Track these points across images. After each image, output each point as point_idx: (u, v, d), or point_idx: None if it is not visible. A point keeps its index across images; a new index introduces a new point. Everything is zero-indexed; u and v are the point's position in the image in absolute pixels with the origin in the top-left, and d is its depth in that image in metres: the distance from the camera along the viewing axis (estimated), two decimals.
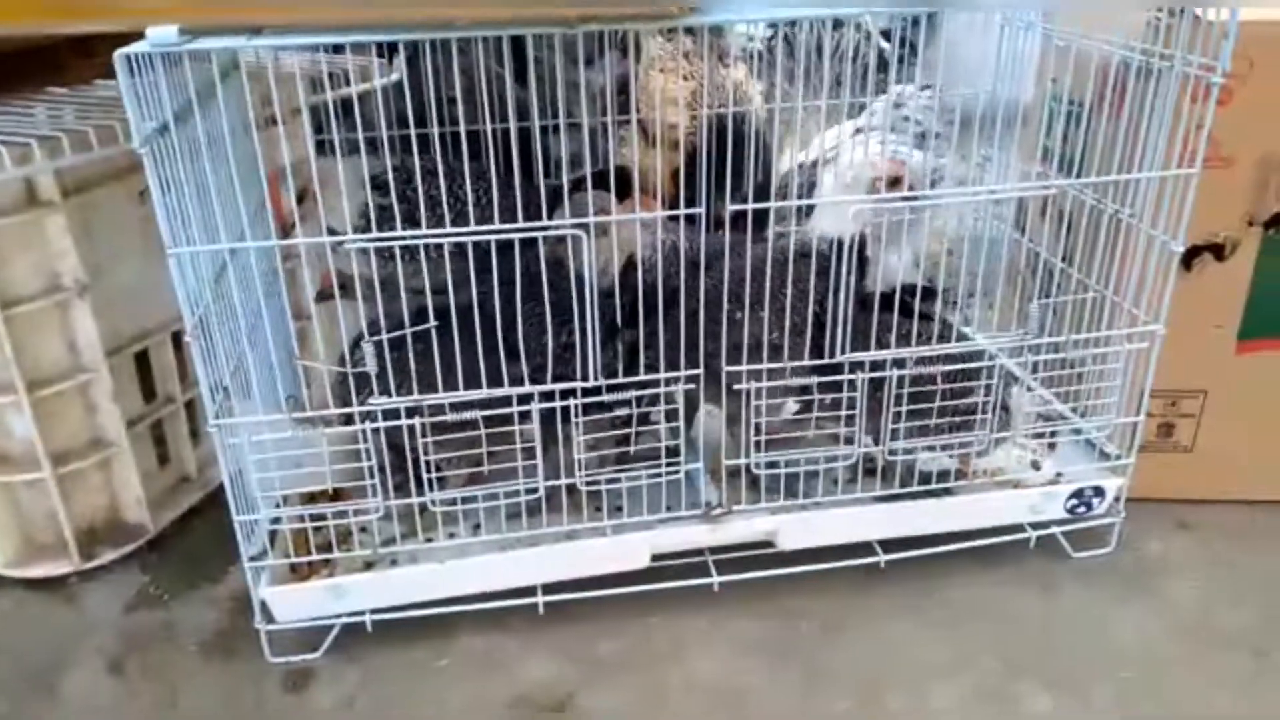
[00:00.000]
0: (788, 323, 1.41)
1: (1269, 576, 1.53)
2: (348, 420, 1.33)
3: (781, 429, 1.45)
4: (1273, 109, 1.39)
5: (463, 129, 1.39)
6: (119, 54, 1.06)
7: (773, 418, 1.41)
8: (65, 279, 1.50)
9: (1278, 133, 1.42)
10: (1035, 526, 1.53)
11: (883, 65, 1.82)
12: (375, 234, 1.21)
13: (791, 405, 1.45)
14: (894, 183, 1.47)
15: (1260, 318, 1.53)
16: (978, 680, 1.35)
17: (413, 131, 1.42)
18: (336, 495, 1.45)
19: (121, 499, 1.66)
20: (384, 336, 1.26)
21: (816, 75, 1.76)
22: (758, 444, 1.42)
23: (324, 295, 1.36)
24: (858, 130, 1.65)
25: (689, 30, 1.88)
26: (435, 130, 1.33)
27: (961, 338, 1.45)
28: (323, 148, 1.50)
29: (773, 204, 1.45)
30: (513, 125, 1.22)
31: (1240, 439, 1.61)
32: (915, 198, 1.42)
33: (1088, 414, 1.55)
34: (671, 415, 1.39)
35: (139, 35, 1.09)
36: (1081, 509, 1.53)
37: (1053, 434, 1.58)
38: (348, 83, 1.80)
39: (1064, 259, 1.57)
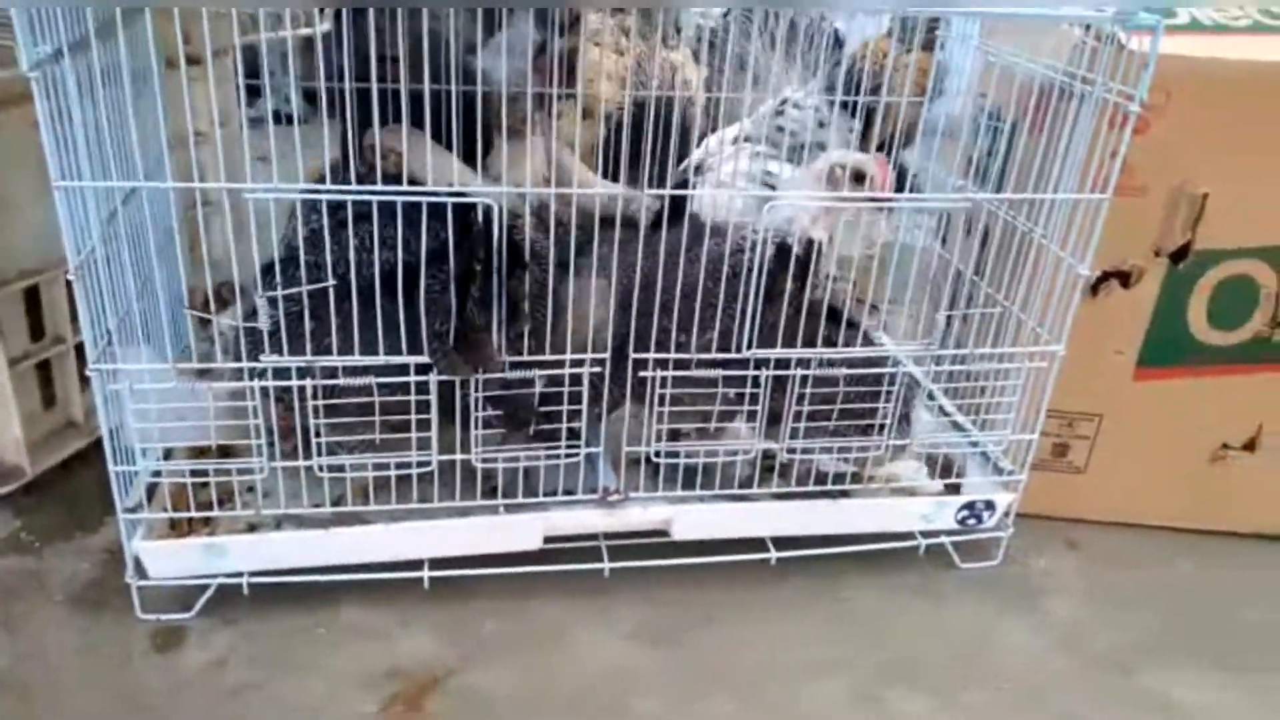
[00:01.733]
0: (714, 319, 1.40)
1: (1147, 599, 1.57)
2: (237, 376, 1.28)
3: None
4: (1186, 142, 1.42)
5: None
6: None
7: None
8: None
9: (1189, 166, 1.44)
10: (925, 535, 1.55)
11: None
12: (276, 185, 1.17)
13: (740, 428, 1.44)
14: (859, 179, 1.44)
15: (1159, 347, 1.57)
16: (854, 682, 1.37)
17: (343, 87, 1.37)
18: (225, 453, 1.41)
19: None
20: (279, 293, 1.22)
21: (762, 65, 1.75)
22: (660, 433, 1.41)
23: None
24: (736, 139, 1.64)
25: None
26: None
27: (869, 343, 1.45)
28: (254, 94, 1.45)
29: (690, 192, 1.43)
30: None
31: (1132, 464, 1.65)
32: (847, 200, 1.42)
33: (986, 427, 1.57)
34: (575, 398, 1.37)
35: None
36: (972, 521, 1.55)
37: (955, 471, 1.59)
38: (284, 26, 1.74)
39: (977, 272, 1.59)
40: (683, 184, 1.55)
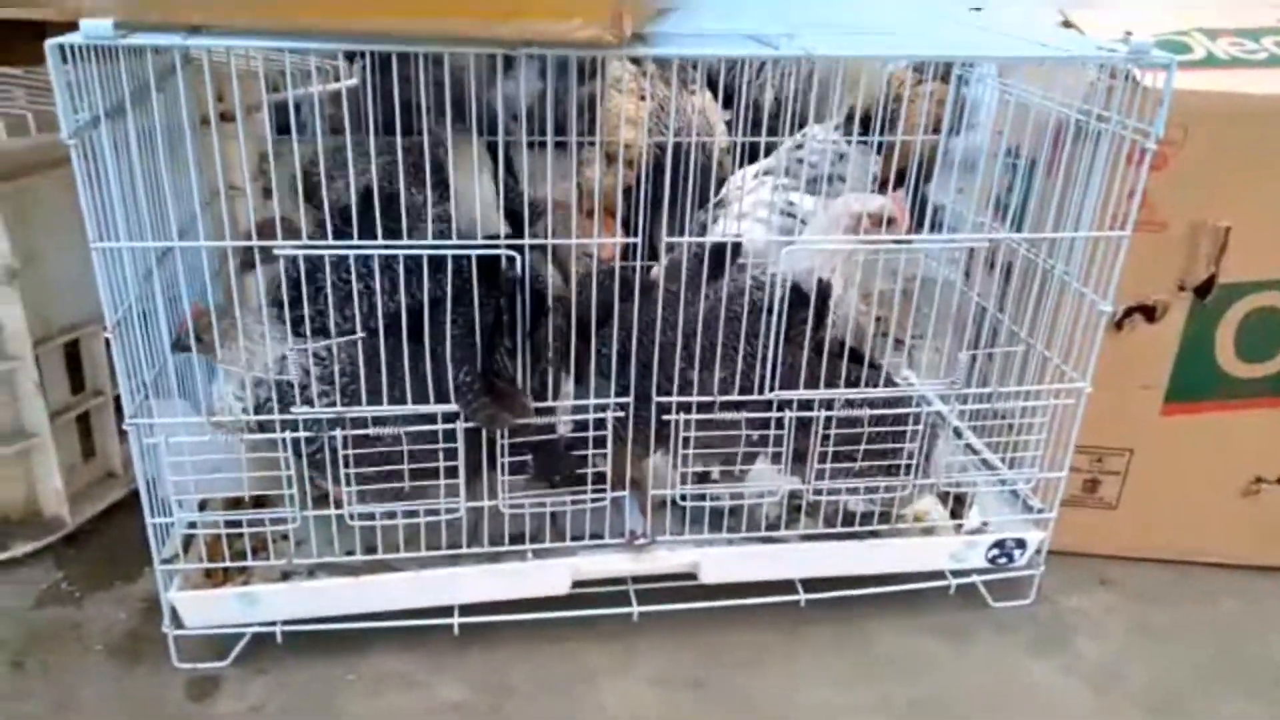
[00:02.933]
0: (738, 362, 1.41)
1: (1181, 637, 1.54)
2: (268, 428, 1.31)
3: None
4: (1205, 177, 1.42)
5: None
6: (50, 44, 1.05)
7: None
8: None
9: (1209, 200, 1.44)
10: (956, 574, 1.54)
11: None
12: (307, 241, 1.20)
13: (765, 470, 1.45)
14: (886, 223, 1.44)
15: (1186, 381, 1.56)
16: None
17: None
18: (259, 503, 1.44)
19: (40, 491, 1.63)
20: (309, 346, 1.25)
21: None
22: (685, 476, 1.42)
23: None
24: (763, 172, 1.65)
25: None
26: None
27: (891, 383, 1.46)
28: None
29: (706, 239, 1.44)
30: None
31: (1164, 499, 1.63)
32: (870, 241, 1.43)
33: (1014, 465, 1.56)
34: (600, 442, 1.38)
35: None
36: (1003, 559, 1.54)
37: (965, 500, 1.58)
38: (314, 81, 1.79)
39: (1000, 309, 1.59)
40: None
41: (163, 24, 1.08)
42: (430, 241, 1.23)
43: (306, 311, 1.26)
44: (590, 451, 1.38)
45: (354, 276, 1.25)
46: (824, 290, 1.45)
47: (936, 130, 1.68)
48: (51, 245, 1.53)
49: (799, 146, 1.73)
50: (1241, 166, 1.42)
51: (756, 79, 2.04)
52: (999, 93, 1.60)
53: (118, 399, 1.70)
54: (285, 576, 1.43)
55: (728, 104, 2.10)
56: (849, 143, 1.72)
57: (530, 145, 1.68)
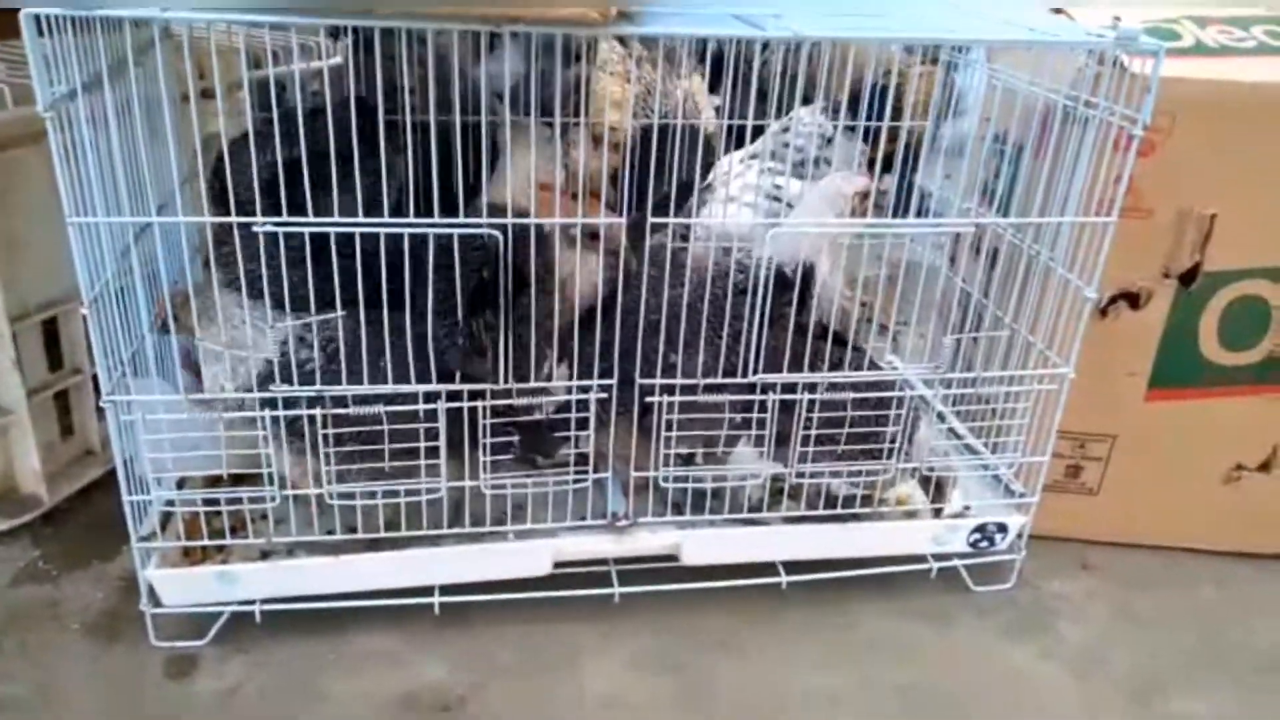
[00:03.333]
0: (720, 345, 1.41)
1: (1163, 623, 1.55)
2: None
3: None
4: (1192, 164, 1.42)
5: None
6: (25, 13, 1.03)
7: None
8: None
9: (1195, 188, 1.44)
10: (937, 558, 1.54)
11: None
12: (286, 218, 1.18)
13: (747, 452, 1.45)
14: (865, 196, 1.46)
15: (1170, 368, 1.56)
16: (867, 707, 1.36)
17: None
18: (238, 481, 1.43)
19: (17, 469, 1.62)
20: (289, 323, 1.24)
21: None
22: (667, 458, 1.41)
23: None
24: (749, 156, 1.64)
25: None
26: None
27: (875, 365, 1.45)
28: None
29: (699, 220, 1.44)
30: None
31: (1146, 485, 1.64)
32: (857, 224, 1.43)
33: (997, 450, 1.56)
34: (583, 423, 1.38)
35: None
36: (984, 544, 1.54)
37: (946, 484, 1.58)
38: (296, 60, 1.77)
39: (986, 295, 1.59)
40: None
41: None
42: (412, 220, 1.21)
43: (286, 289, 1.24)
44: (573, 433, 1.37)
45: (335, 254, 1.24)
46: (808, 273, 1.44)
47: (926, 114, 1.68)
48: (28, 221, 1.51)
49: (785, 130, 1.72)
50: (1228, 154, 1.42)
51: (761, 57, 2.01)
52: (987, 78, 1.60)
53: (96, 377, 1.69)
54: (264, 555, 1.42)
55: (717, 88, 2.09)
56: (835, 127, 1.71)
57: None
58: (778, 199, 1.61)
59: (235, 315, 1.28)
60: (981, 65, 1.63)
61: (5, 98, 1.43)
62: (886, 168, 1.71)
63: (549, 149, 1.43)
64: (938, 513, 1.57)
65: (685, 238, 1.48)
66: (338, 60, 1.82)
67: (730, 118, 1.69)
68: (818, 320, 1.43)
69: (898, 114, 1.66)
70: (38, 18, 1.05)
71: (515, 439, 1.35)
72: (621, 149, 1.65)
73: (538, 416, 1.37)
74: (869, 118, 1.64)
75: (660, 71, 1.95)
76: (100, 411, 1.70)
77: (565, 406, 1.37)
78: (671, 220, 1.44)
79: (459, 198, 1.36)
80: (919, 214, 1.61)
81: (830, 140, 1.68)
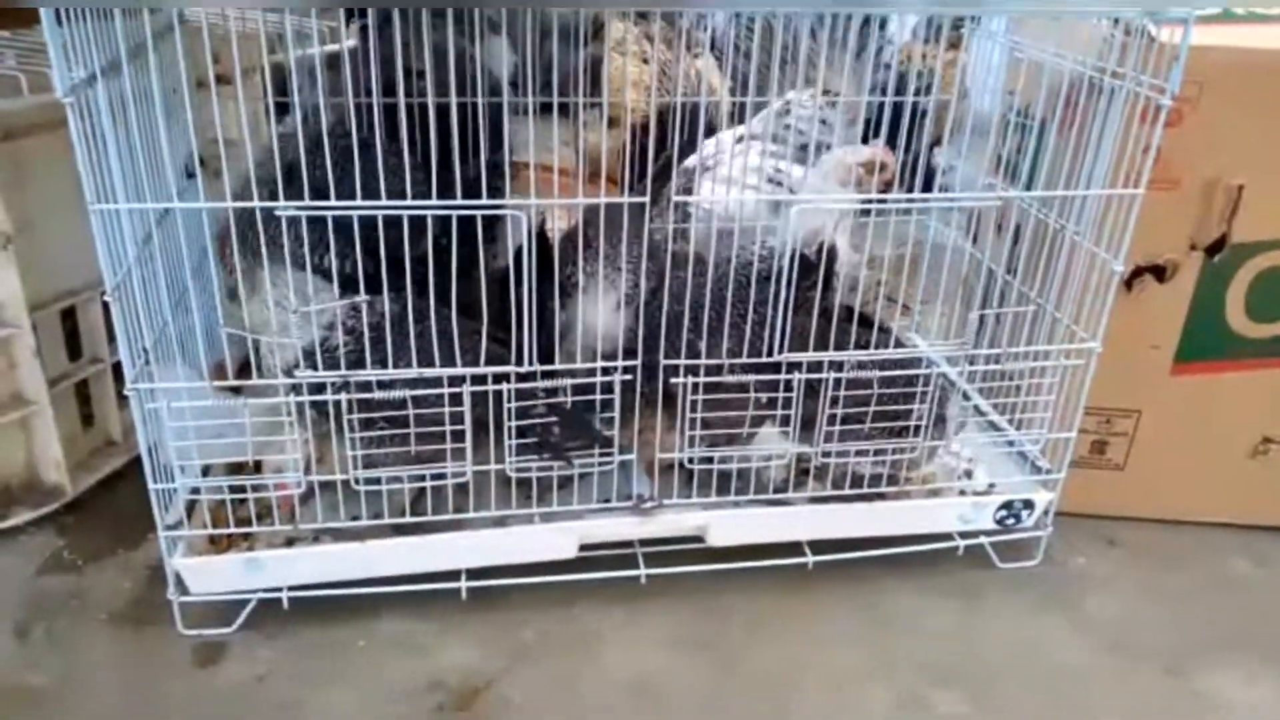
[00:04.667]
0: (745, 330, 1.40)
1: (1190, 597, 1.54)
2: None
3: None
4: (1220, 134, 1.40)
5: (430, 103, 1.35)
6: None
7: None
8: None
9: (1223, 158, 1.42)
10: (964, 536, 1.54)
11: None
12: (308, 202, 1.18)
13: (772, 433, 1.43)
14: (874, 169, 1.44)
15: (1197, 341, 1.55)
16: (895, 686, 1.36)
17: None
18: (260, 468, 1.42)
19: (40, 459, 1.61)
20: (314, 308, 1.23)
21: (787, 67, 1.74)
22: (693, 439, 1.40)
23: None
24: (739, 139, 1.62)
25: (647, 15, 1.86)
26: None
27: (901, 344, 1.44)
28: (284, 111, 1.46)
29: (713, 198, 1.42)
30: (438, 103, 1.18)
31: (1172, 460, 1.63)
32: (878, 200, 1.42)
33: (1022, 427, 1.55)
34: (607, 405, 1.37)
35: None
36: (1010, 520, 1.53)
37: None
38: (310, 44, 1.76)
39: (1010, 271, 1.58)
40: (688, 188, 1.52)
41: None
42: (435, 201, 1.20)
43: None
44: (598, 415, 1.37)
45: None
46: (830, 253, 1.43)
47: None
48: (46, 210, 1.51)
49: (786, 113, 1.70)
50: (1257, 124, 1.40)
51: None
52: (1009, 51, 1.58)
53: (116, 366, 1.69)
54: (289, 542, 1.42)
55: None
56: (833, 107, 1.68)
57: (517, 111, 1.67)
58: (780, 183, 1.59)
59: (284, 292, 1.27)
60: (1002, 37, 1.61)
61: (21, 86, 1.42)
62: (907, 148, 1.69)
63: (557, 131, 1.42)
64: (962, 491, 1.56)
65: (686, 217, 1.47)
66: (353, 44, 1.81)
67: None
68: (841, 301, 1.42)
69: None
70: (57, 10, 1.04)
71: (554, 426, 1.34)
72: (635, 130, 1.64)
73: (568, 400, 1.36)
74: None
75: (674, 50, 1.94)
76: (121, 400, 1.70)
77: (589, 389, 1.36)
78: (696, 199, 1.42)
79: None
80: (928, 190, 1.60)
81: (826, 122, 1.66)
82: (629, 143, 1.58)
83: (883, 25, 1.74)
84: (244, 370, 1.34)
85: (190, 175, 1.31)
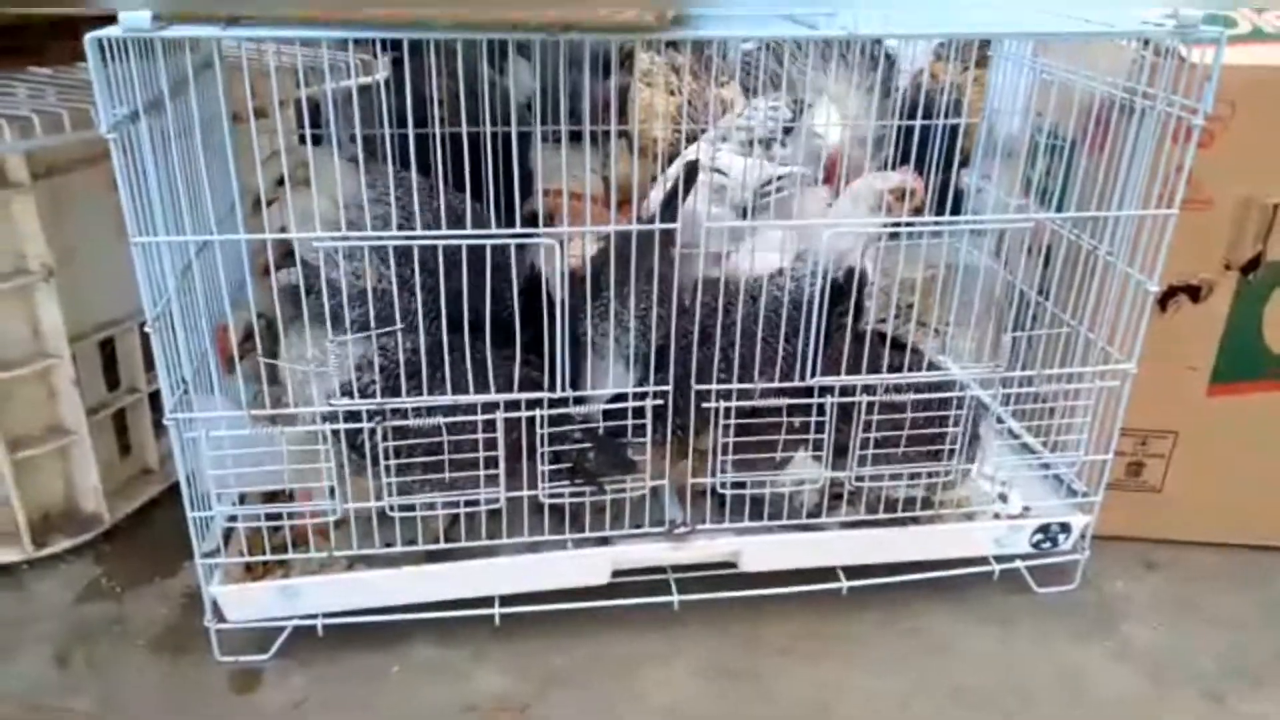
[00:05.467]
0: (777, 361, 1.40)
1: (1231, 621, 1.52)
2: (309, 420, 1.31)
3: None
4: (1253, 153, 1.39)
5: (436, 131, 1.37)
6: (89, 37, 1.05)
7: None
8: (31, 262, 1.48)
9: (1257, 176, 1.42)
10: (999, 560, 1.52)
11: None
12: (344, 233, 1.19)
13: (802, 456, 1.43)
14: (903, 196, 1.45)
15: (1233, 361, 1.53)
16: (932, 712, 1.34)
17: (397, 130, 1.40)
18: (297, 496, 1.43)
19: (79, 488, 1.63)
20: (349, 337, 1.25)
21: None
22: (725, 464, 1.40)
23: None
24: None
25: (677, 45, 1.88)
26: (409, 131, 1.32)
27: (934, 367, 1.44)
28: (316, 143, 1.49)
29: (747, 223, 1.43)
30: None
31: (1209, 481, 1.61)
32: (905, 223, 1.42)
33: (1057, 449, 1.54)
34: (639, 430, 1.37)
35: (115, 18, 1.08)
36: (1047, 544, 1.52)
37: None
38: (346, 77, 1.79)
39: (1041, 293, 1.57)
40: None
41: (201, 15, 1.07)
42: (469, 231, 1.21)
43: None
44: (630, 440, 1.37)
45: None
46: (861, 277, 1.44)
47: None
48: (86, 243, 1.54)
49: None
50: None
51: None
52: (1035, 72, 1.58)
53: (153, 395, 1.71)
54: (323, 568, 1.43)
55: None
56: (793, 114, 1.69)
57: (545, 139, 1.69)
58: (721, 172, 1.58)
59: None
60: (1026, 59, 1.61)
61: (64, 122, 1.45)
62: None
63: (578, 159, 1.43)
64: (997, 515, 1.55)
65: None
66: (384, 75, 1.84)
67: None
68: (873, 325, 1.42)
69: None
70: (100, 41, 1.06)
71: (589, 452, 1.35)
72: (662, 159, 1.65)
73: (604, 424, 1.37)
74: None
75: (701, 81, 1.95)
76: (158, 430, 1.73)
77: (620, 414, 1.37)
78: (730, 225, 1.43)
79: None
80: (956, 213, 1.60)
81: (790, 131, 1.66)
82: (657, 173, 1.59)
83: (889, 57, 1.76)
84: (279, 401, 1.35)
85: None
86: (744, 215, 1.55)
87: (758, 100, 1.67)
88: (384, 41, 1.70)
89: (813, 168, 1.64)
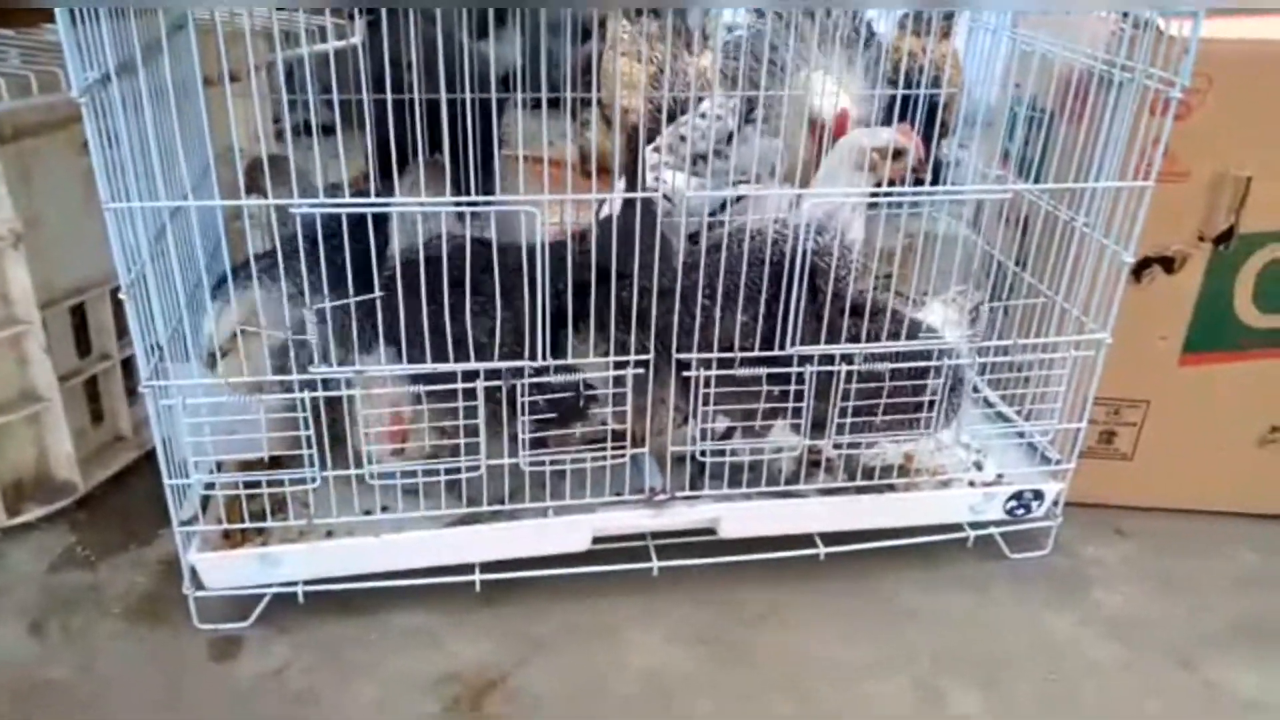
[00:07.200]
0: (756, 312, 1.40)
1: (1200, 586, 1.55)
2: (286, 387, 1.30)
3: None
4: (1228, 126, 1.41)
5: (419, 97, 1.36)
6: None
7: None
8: None
9: (1232, 150, 1.43)
10: (974, 526, 1.55)
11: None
12: (324, 199, 1.18)
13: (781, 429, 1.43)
14: (897, 155, 1.41)
15: (1204, 332, 1.55)
16: (908, 676, 1.36)
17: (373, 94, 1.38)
18: (275, 463, 1.43)
19: (51, 455, 1.61)
20: (327, 304, 1.24)
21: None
22: (705, 432, 1.41)
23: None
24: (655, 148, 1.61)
25: (654, 12, 1.86)
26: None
27: (915, 325, 1.44)
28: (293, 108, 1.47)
29: (728, 193, 1.43)
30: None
31: (1180, 449, 1.64)
32: (885, 193, 1.42)
33: (1031, 417, 1.56)
34: (619, 398, 1.37)
35: None
36: (1020, 511, 1.54)
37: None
38: (320, 40, 1.76)
39: (1018, 263, 1.58)
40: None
41: None
42: (450, 199, 1.20)
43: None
44: (610, 409, 1.37)
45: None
46: (841, 247, 1.44)
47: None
48: (55, 208, 1.51)
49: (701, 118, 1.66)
50: (1265, 115, 1.41)
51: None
52: (1014, 43, 1.58)
53: (125, 362, 1.69)
54: (302, 536, 1.43)
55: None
56: (750, 123, 1.65)
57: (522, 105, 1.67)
58: (668, 199, 1.57)
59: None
60: (1005, 31, 1.61)
61: (31, 85, 1.42)
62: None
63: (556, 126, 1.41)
64: (972, 482, 1.57)
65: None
66: (356, 39, 1.82)
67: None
68: (854, 293, 1.42)
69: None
70: (71, 6, 1.04)
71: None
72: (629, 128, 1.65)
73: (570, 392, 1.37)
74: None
75: (668, 48, 1.94)
76: (130, 396, 1.71)
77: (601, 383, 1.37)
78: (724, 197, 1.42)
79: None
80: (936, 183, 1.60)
81: (731, 139, 1.63)
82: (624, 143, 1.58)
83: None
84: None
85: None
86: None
87: (701, 106, 1.62)
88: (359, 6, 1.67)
89: (766, 167, 1.60)
